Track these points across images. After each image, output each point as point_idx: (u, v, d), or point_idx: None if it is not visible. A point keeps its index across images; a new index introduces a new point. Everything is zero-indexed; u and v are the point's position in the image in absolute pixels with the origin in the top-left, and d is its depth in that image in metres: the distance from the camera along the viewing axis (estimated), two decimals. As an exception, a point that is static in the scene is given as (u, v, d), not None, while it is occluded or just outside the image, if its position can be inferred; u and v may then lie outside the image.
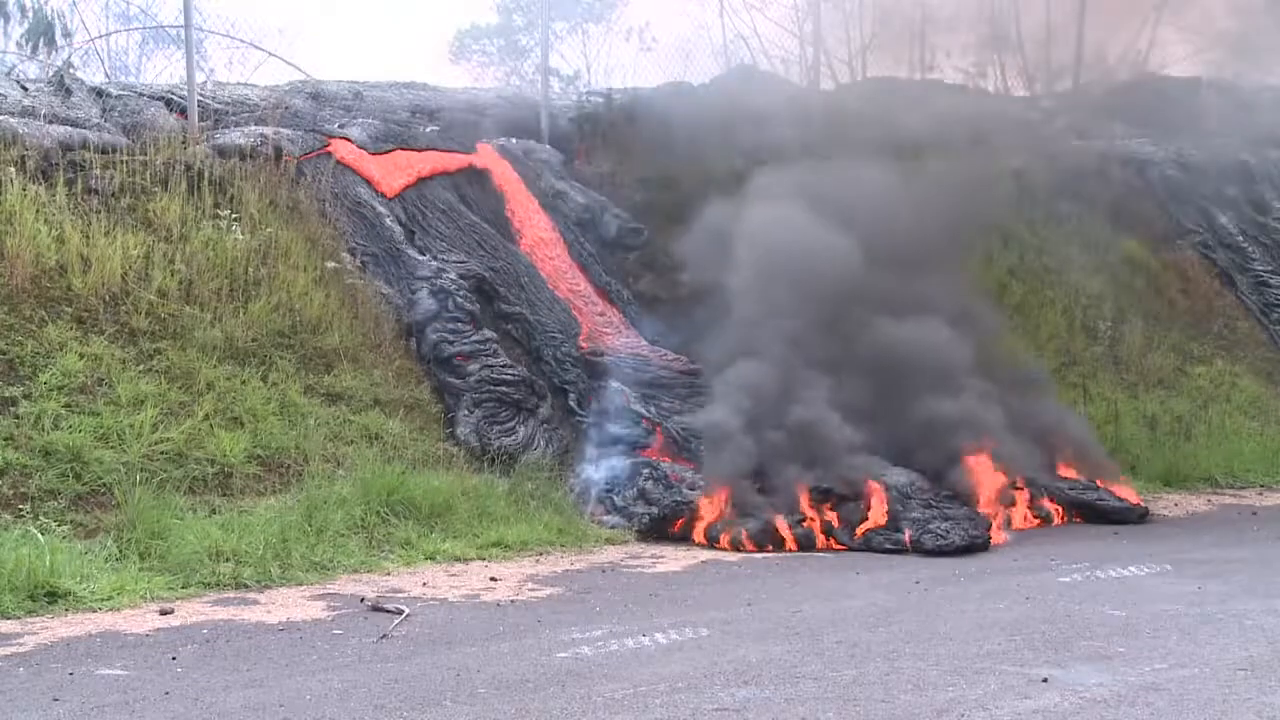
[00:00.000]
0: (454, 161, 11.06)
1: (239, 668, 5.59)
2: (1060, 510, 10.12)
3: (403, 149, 10.99)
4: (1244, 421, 13.22)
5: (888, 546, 8.71)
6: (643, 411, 9.84)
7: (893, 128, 12.24)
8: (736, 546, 8.67)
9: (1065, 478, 10.44)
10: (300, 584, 7.17)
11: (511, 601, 6.98)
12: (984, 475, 9.69)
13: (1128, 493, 10.53)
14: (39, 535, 6.79)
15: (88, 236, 8.81)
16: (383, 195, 10.58)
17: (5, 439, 7.54)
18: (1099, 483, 10.48)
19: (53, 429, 7.69)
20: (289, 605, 6.73)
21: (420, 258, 10.27)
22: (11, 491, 7.31)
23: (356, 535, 7.89)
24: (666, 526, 8.95)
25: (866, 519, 8.92)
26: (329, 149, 10.67)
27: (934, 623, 6.52)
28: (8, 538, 6.77)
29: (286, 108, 11.14)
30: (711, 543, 8.77)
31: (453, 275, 10.13)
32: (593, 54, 18.58)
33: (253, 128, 10.50)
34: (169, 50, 16.82)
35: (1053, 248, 14.24)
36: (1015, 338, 12.68)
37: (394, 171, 10.70)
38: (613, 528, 8.95)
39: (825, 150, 11.45)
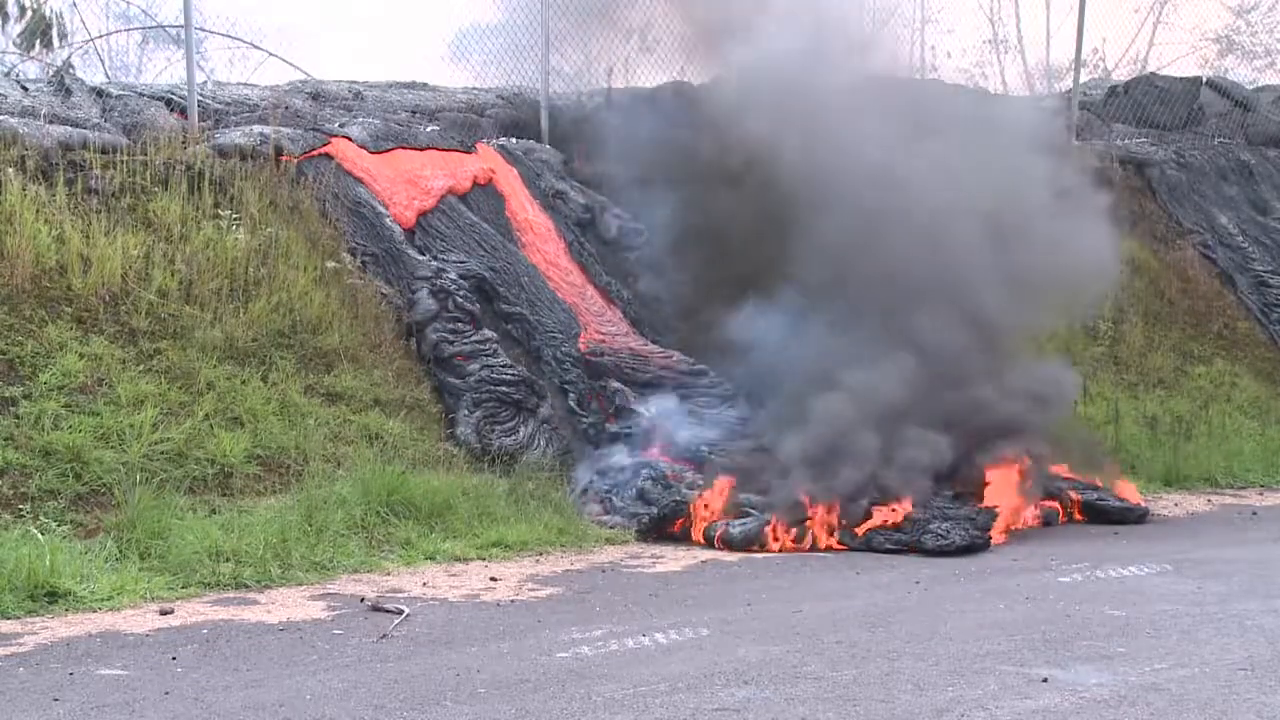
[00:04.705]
0: (463, 182, 10.96)
1: (239, 668, 5.59)
2: (1062, 510, 10.12)
3: (403, 148, 10.98)
4: (1244, 421, 13.21)
5: (888, 546, 8.71)
6: (643, 411, 9.83)
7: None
8: (735, 546, 8.66)
9: (1066, 477, 10.42)
10: (300, 584, 7.18)
11: (511, 601, 6.98)
12: (1005, 477, 9.63)
13: (1129, 491, 10.50)
14: (39, 535, 6.79)
15: (88, 236, 8.81)
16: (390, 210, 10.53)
17: (5, 439, 7.54)
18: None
19: (53, 429, 7.69)
20: (289, 605, 6.74)
21: (420, 258, 10.26)
22: (11, 491, 7.31)
23: (356, 535, 7.89)
24: (666, 526, 8.95)
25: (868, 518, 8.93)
26: (329, 149, 10.65)
27: (934, 623, 6.52)
28: (8, 538, 6.78)
29: (286, 108, 11.12)
30: (710, 542, 8.77)
31: (453, 275, 10.13)
32: (593, 53, 18.54)
33: (253, 128, 10.48)
34: (169, 50, 16.89)
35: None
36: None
37: (408, 209, 10.58)
38: (613, 528, 8.95)
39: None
